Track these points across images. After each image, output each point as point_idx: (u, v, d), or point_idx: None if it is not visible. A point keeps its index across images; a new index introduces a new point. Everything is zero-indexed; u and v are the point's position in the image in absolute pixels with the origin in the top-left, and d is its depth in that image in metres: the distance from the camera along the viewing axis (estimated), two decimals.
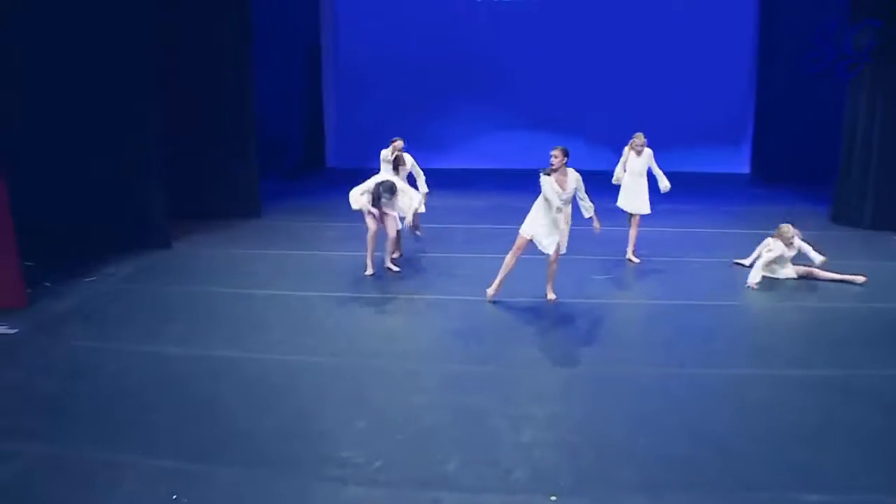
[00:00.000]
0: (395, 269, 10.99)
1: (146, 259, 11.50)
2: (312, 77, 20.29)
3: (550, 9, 19.95)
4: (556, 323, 9.11)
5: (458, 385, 7.26)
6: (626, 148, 11.52)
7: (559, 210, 9.11)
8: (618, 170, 11.61)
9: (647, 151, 11.41)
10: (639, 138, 11.42)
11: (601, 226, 9.66)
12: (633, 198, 11.43)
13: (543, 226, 9.26)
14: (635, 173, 11.39)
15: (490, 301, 9.59)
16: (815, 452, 6.14)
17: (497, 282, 9.64)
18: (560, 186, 9.14)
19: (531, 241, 9.37)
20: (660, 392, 7.16)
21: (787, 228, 10.68)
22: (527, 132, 19.10)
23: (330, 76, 20.76)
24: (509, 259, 9.53)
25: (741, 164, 20.43)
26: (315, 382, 7.36)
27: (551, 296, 9.73)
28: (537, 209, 9.32)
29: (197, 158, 14.04)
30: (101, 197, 11.58)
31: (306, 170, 19.80)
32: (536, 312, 9.38)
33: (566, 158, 9.21)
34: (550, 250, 9.31)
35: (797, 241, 10.69)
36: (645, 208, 11.46)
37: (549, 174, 9.04)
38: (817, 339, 8.66)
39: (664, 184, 11.41)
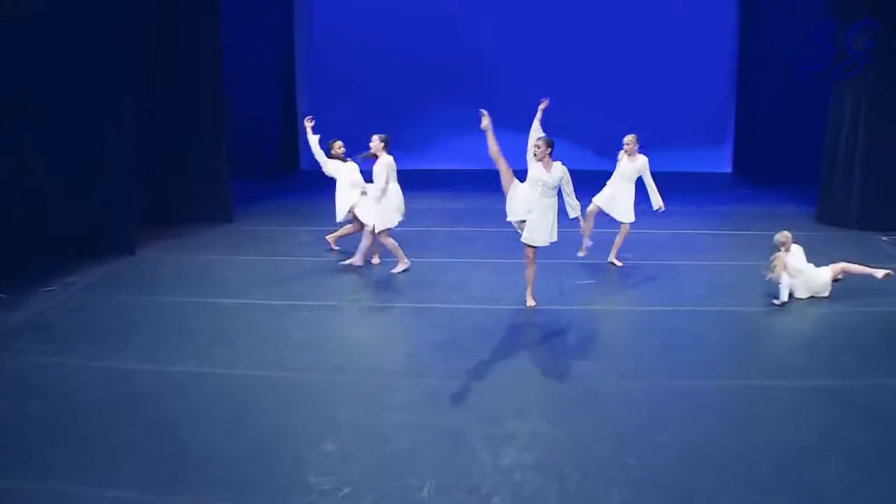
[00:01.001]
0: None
1: (109, 266, 11.00)
2: (286, 77, 19.77)
3: (532, 7, 19.52)
4: (539, 332, 8.69)
5: (435, 402, 6.80)
6: (621, 153, 11.00)
7: (542, 192, 8.81)
8: None
9: (642, 159, 10.89)
10: (630, 142, 10.95)
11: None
12: (617, 203, 10.94)
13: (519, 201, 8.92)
14: (625, 177, 10.91)
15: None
16: (815, 471, 5.75)
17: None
18: (545, 173, 8.86)
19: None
20: (649, 406, 6.73)
21: (783, 235, 10.09)
22: (508, 132, 18.28)
23: (304, 76, 20.27)
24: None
25: (723, 164, 20.18)
26: (281, 400, 6.89)
27: (531, 302, 9.32)
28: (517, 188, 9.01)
29: (165, 160, 13.57)
30: (62, 200, 10.96)
31: (280, 172, 19.27)
32: (517, 321, 8.97)
33: (550, 149, 8.93)
34: (528, 240, 8.94)
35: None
36: (627, 216, 10.97)
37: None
38: (811, 346, 8.33)
39: (657, 202, 10.89)
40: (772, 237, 11.70)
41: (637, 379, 7.30)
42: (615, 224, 11.05)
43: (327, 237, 11.76)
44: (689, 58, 19.24)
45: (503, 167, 8.99)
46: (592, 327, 8.79)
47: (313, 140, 11.14)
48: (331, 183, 11.36)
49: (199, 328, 8.65)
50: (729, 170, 20.11)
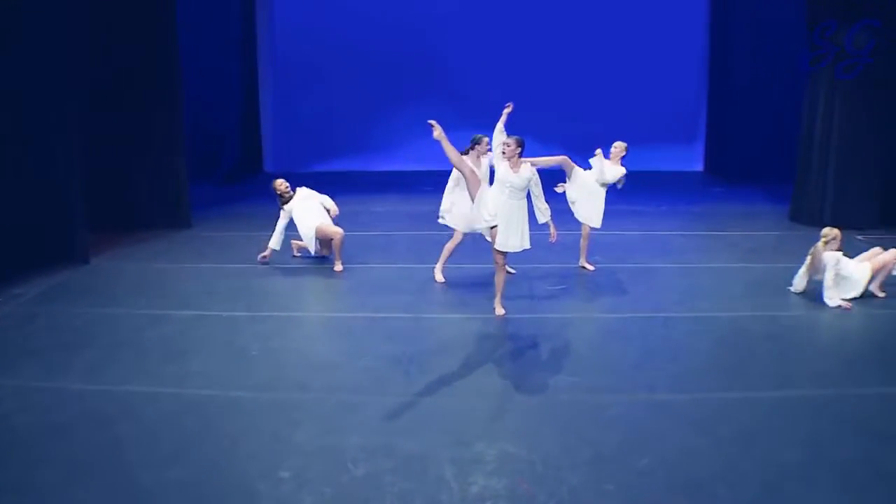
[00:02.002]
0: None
1: (59, 277, 10.45)
2: (247, 75, 19.20)
3: (500, 5, 19.13)
4: (508, 343, 8.25)
5: (398, 423, 6.35)
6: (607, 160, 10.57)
7: (510, 193, 8.44)
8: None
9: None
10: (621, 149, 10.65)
11: (557, 233, 8.94)
12: (590, 206, 10.51)
13: (500, 216, 8.51)
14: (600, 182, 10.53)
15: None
16: (803, 492, 5.38)
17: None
18: (512, 175, 8.48)
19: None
20: (627, 424, 6.32)
21: (830, 231, 9.65)
22: (475, 132, 18.13)
23: (267, 74, 19.73)
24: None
25: (694, 162, 19.95)
26: (233, 422, 6.41)
27: (499, 310, 8.92)
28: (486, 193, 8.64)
29: (120, 163, 13.01)
30: (7, 207, 10.36)
31: (242, 175, 18.70)
32: (485, 331, 8.53)
33: (520, 149, 8.54)
34: (500, 245, 8.55)
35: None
36: (593, 221, 10.55)
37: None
38: (793, 353, 7.93)
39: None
40: (748, 237, 11.50)
41: (613, 393, 6.88)
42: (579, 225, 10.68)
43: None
44: (659, 55, 18.97)
45: (468, 172, 8.62)
46: (565, 337, 8.35)
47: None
48: (296, 187, 10.93)
49: (152, 343, 8.15)
50: (700, 168, 19.89)
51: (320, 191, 11.22)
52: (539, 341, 8.22)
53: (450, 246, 10.14)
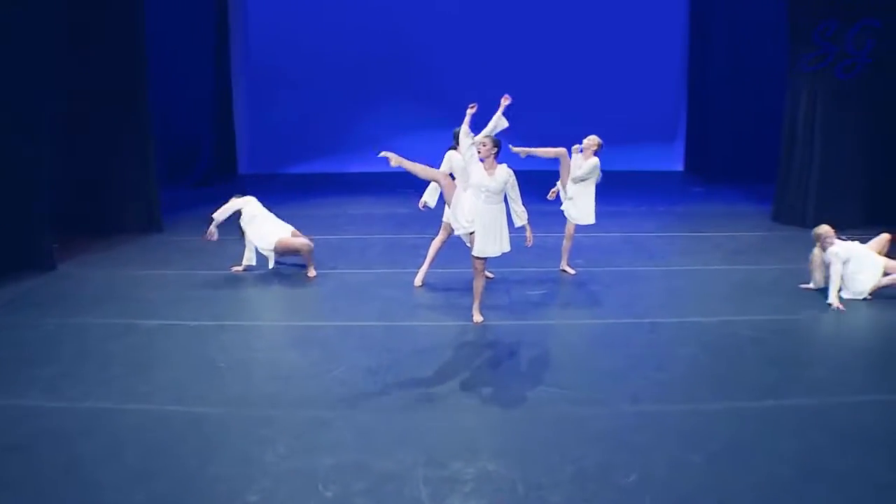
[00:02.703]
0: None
1: (23, 284, 10.06)
2: (221, 77, 18.79)
3: (476, 5, 18.84)
4: (486, 353, 7.93)
5: (371, 440, 6.04)
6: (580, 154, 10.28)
7: (486, 198, 8.16)
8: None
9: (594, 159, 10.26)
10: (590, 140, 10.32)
11: (534, 237, 8.67)
12: (581, 204, 10.24)
13: (477, 221, 8.24)
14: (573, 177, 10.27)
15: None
16: None
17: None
18: (488, 178, 8.18)
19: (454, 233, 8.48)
20: (611, 439, 6.03)
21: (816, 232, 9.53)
22: (451, 131, 17.85)
23: (240, 76, 19.31)
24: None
25: (674, 162, 19.73)
26: (200, 441, 6.07)
27: (478, 317, 8.61)
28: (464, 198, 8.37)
29: (87, 166, 12.63)
30: None
31: (216, 177, 18.31)
32: (463, 340, 8.21)
33: (496, 150, 8.25)
34: (479, 251, 8.27)
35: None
36: (588, 219, 10.27)
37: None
38: (780, 359, 7.67)
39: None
40: (730, 238, 11.25)
41: (596, 405, 6.60)
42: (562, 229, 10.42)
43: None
44: (638, 54, 18.72)
45: (441, 179, 8.36)
46: (545, 345, 8.06)
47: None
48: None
49: (117, 355, 7.78)
50: (680, 168, 19.67)
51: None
52: (518, 350, 7.93)
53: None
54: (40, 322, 8.76)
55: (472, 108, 8.80)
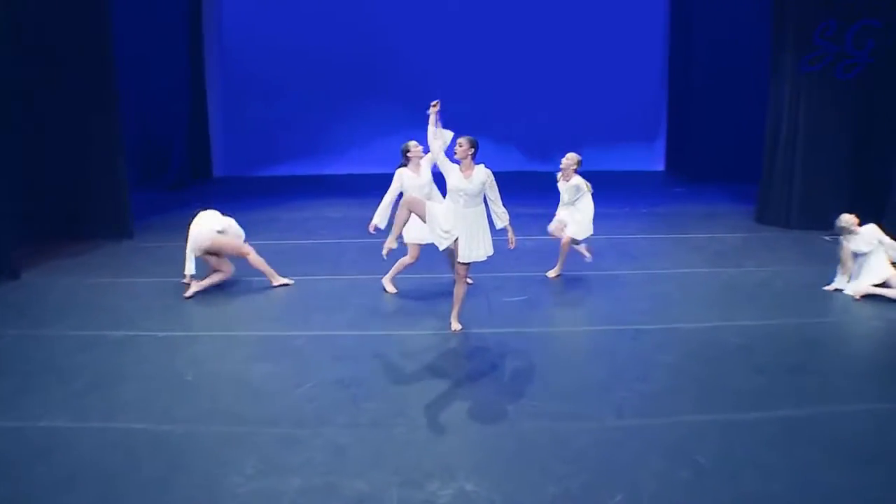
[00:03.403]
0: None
1: None
2: (195, 79, 18.42)
3: (455, 4, 18.55)
4: (464, 364, 7.62)
5: (343, 459, 5.72)
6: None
7: (465, 202, 7.88)
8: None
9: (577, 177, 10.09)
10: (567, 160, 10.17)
11: (516, 239, 8.33)
12: (578, 219, 10.13)
13: (461, 228, 7.97)
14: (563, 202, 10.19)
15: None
16: None
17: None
18: (464, 181, 7.87)
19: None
20: (595, 456, 5.74)
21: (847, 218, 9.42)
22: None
23: (215, 77, 18.97)
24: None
25: (655, 162, 19.59)
26: (162, 462, 5.73)
27: (456, 325, 8.32)
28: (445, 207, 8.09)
29: (57, 171, 12.30)
30: None
31: (190, 180, 17.97)
32: (439, 350, 7.89)
33: (473, 150, 7.93)
34: (464, 257, 7.98)
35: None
36: (577, 232, 10.12)
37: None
38: (767, 367, 7.39)
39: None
40: (713, 239, 10.98)
41: (580, 420, 6.30)
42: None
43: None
44: (618, 53, 18.61)
45: (415, 205, 8.12)
46: (526, 355, 7.73)
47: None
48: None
49: (78, 369, 7.43)
50: (661, 168, 19.50)
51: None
52: (498, 360, 7.62)
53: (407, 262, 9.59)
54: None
55: (434, 105, 8.19)
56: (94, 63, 12.27)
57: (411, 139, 9.53)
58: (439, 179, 8.15)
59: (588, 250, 10.34)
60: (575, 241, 10.12)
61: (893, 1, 12.03)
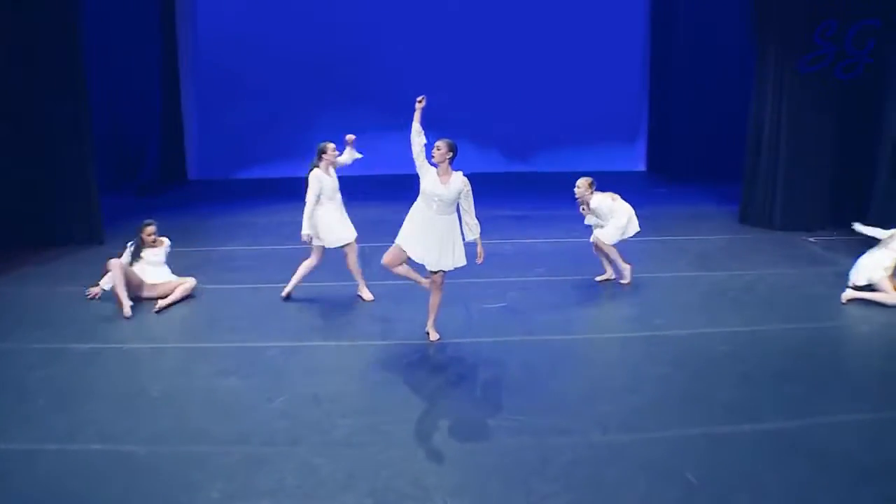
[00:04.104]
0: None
1: None
2: (168, 76, 18.00)
3: (434, 4, 18.24)
4: (441, 376, 7.31)
5: (314, 480, 5.43)
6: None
7: (438, 208, 7.58)
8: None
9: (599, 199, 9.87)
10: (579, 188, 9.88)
11: (484, 254, 7.94)
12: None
13: (417, 228, 7.71)
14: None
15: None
16: None
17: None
18: (440, 186, 7.56)
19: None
20: (580, 474, 5.46)
21: None
22: (406, 134, 17.13)
23: (189, 79, 18.56)
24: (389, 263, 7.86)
25: (636, 162, 19.32)
26: (124, 486, 5.41)
27: (433, 335, 8.03)
28: (413, 212, 7.79)
29: (24, 175, 11.93)
30: None
31: (164, 184, 17.56)
32: (416, 361, 7.60)
33: (451, 154, 7.61)
34: (427, 262, 7.72)
35: None
36: (606, 237, 9.89)
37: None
38: (757, 376, 7.16)
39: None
40: (697, 241, 10.70)
41: (563, 435, 6.03)
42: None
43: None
44: (598, 51, 18.29)
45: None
46: (506, 366, 7.43)
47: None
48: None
49: (39, 385, 7.09)
50: (643, 168, 19.26)
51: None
52: (477, 371, 7.35)
53: (310, 264, 9.43)
54: None
55: (420, 101, 7.83)
56: (62, 62, 11.87)
57: (327, 142, 9.53)
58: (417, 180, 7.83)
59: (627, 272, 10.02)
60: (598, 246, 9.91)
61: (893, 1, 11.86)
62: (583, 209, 9.84)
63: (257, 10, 18.14)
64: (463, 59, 17.92)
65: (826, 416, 6.37)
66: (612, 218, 9.80)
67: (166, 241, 9.76)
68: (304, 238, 9.23)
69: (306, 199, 9.19)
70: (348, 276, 9.58)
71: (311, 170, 9.30)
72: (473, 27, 18.08)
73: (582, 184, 9.77)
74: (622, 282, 9.88)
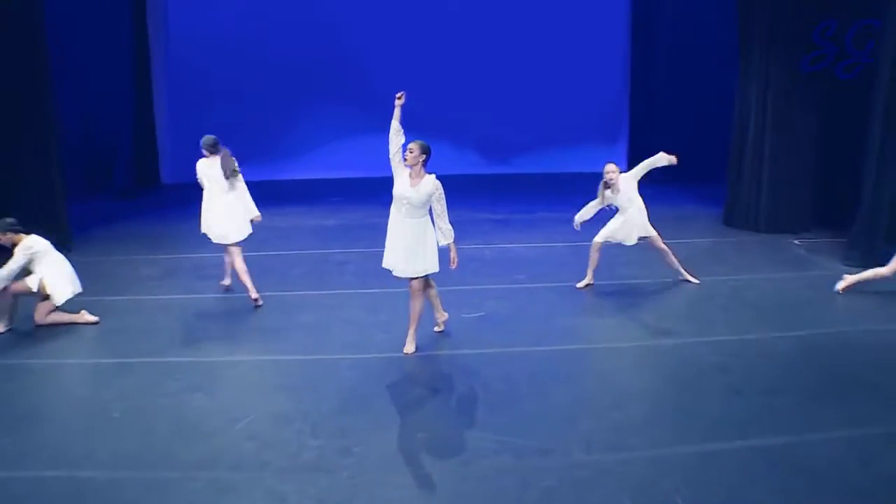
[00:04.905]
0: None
1: None
2: (141, 82, 17.56)
3: (412, 4, 17.91)
4: (417, 391, 7.03)
5: None
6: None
7: (407, 211, 7.35)
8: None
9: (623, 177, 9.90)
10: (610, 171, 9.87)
11: (458, 260, 7.67)
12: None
13: (389, 233, 7.52)
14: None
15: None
16: None
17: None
18: (410, 189, 7.31)
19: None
20: (565, 497, 5.16)
21: None
22: (384, 134, 16.84)
23: (161, 80, 18.12)
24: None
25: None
26: None
27: (409, 347, 7.71)
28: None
29: None
30: None
31: (136, 188, 17.11)
32: (391, 376, 7.27)
33: (424, 156, 7.35)
34: (394, 268, 7.48)
35: None
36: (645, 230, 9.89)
37: None
38: (746, 388, 6.88)
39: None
40: (681, 245, 10.42)
41: (544, 456, 5.72)
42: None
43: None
44: (578, 52, 18.01)
45: None
46: (485, 380, 7.11)
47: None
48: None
49: None
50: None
51: None
52: (454, 387, 7.05)
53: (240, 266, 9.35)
54: None
55: (399, 98, 7.52)
56: (25, 65, 11.48)
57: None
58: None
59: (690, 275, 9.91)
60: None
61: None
62: (614, 190, 9.77)
63: (231, 11, 17.74)
64: (441, 59, 17.61)
65: (818, 432, 6.11)
66: (639, 201, 9.87)
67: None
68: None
69: None
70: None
71: None
72: (453, 26, 17.79)
73: (612, 167, 9.86)
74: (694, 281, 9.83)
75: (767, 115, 12.45)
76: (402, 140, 7.47)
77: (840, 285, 9.18)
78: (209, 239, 9.49)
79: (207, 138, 9.54)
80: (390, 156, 7.51)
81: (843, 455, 5.74)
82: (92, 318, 8.83)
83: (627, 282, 9.88)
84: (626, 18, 18.41)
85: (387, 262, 7.59)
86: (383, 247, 7.68)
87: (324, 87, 17.91)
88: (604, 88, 18.52)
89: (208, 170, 9.46)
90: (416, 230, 7.38)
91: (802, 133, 12.37)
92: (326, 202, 15.10)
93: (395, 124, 7.48)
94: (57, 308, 8.77)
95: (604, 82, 18.50)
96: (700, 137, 16.67)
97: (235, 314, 9.05)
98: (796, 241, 11.90)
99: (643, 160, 10.41)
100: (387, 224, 7.60)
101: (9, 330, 8.59)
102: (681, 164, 16.62)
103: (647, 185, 16.46)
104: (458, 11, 17.82)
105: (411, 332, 7.75)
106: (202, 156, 9.54)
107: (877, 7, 10.90)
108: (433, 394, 6.95)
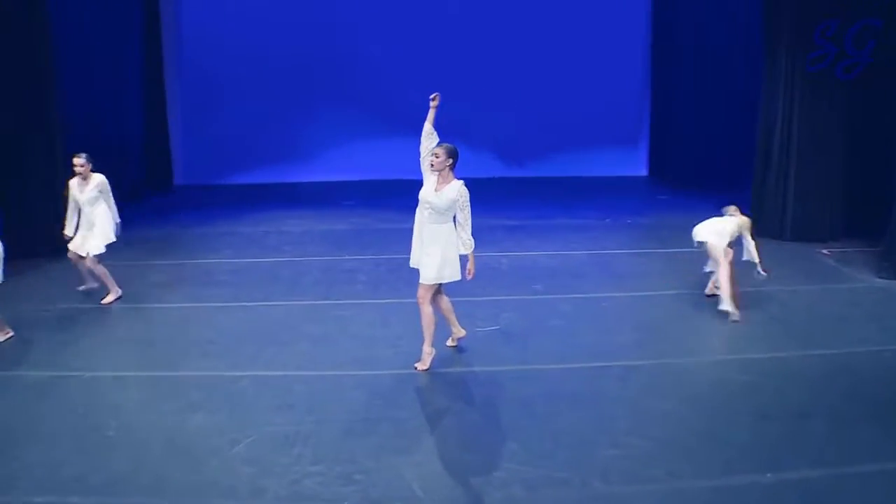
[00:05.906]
0: None
1: None
2: (152, 79, 17.31)
3: (429, 5, 17.59)
4: (424, 413, 6.64)
5: None
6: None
7: (430, 216, 7.07)
8: None
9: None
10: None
11: (474, 270, 7.32)
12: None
13: (414, 241, 7.25)
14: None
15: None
16: None
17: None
18: (433, 194, 7.03)
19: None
20: None
21: None
22: (401, 139, 16.51)
23: (174, 82, 17.89)
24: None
25: (638, 167, 18.72)
26: None
27: (422, 364, 7.35)
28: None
29: None
30: None
31: (148, 190, 16.86)
32: (398, 395, 6.92)
33: (451, 160, 7.06)
34: (421, 275, 7.18)
35: None
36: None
37: None
38: (777, 414, 6.48)
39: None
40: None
41: (558, 487, 5.35)
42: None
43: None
44: (599, 53, 17.69)
45: None
46: (497, 402, 6.74)
47: None
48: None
49: None
50: (644, 173, 18.64)
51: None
52: (466, 408, 6.70)
53: None
54: None
55: (434, 99, 7.34)
56: (31, 67, 11.33)
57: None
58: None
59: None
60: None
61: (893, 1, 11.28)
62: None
63: (243, 14, 17.53)
64: (457, 61, 17.28)
65: (855, 465, 5.71)
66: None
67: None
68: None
69: None
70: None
71: None
72: (467, 26, 17.50)
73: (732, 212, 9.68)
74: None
75: (794, 118, 12.09)
76: (435, 142, 7.23)
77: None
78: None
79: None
80: (420, 158, 7.29)
81: (880, 491, 5.36)
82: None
83: (644, 293, 9.52)
84: (646, 19, 18.10)
85: (413, 262, 7.37)
86: (395, 253, 7.38)
87: (337, 89, 17.66)
88: (624, 90, 18.20)
89: (74, 189, 9.52)
90: (438, 236, 7.10)
91: (831, 137, 12.00)
92: (339, 205, 14.78)
93: (428, 126, 7.31)
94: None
95: (624, 84, 18.18)
96: (722, 141, 16.31)
97: (239, 325, 8.73)
98: (825, 251, 11.49)
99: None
100: (400, 229, 7.32)
101: (10, 337, 8.30)
102: (703, 168, 16.40)
103: (667, 190, 16.20)
104: (476, 14, 17.53)
105: (425, 346, 7.39)
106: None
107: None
108: (441, 417, 6.57)
